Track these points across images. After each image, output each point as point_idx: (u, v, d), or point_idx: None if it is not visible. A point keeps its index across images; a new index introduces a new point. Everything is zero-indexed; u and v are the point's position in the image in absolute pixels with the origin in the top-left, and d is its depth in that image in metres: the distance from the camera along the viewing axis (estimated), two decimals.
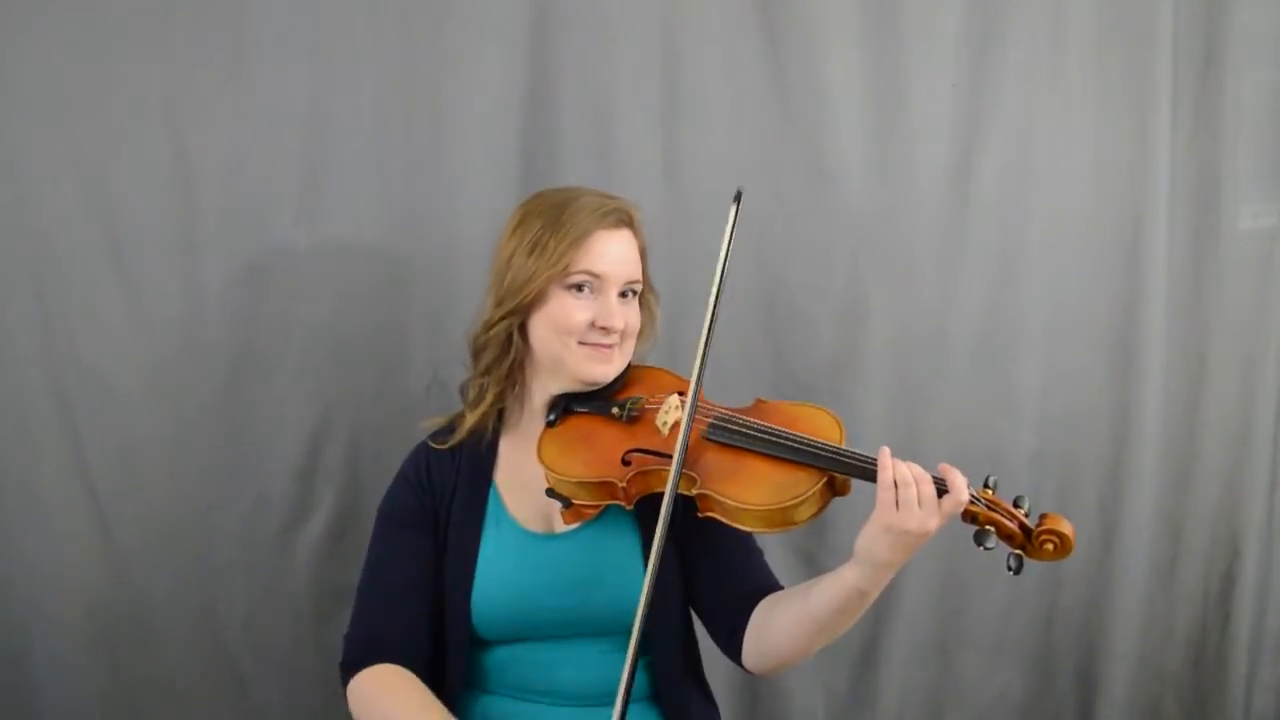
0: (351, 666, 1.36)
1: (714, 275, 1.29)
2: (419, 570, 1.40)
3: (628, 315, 1.40)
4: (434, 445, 1.46)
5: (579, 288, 1.37)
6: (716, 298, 1.29)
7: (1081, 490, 2.08)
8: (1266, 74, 2.05)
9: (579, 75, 1.83)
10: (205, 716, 1.80)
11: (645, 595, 1.18)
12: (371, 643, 1.36)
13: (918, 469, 1.19)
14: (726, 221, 1.31)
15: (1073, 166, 2.02)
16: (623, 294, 1.40)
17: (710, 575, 1.41)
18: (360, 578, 1.43)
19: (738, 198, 1.32)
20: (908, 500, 1.16)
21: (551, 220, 1.37)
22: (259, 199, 1.74)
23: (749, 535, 1.39)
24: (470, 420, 1.44)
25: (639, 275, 1.43)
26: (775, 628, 1.32)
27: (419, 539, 1.42)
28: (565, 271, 1.36)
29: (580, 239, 1.35)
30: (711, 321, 1.28)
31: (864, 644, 2.04)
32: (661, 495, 1.31)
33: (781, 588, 1.39)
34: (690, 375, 1.40)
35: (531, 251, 1.36)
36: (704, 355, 1.29)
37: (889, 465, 1.18)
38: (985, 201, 1.98)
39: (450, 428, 1.47)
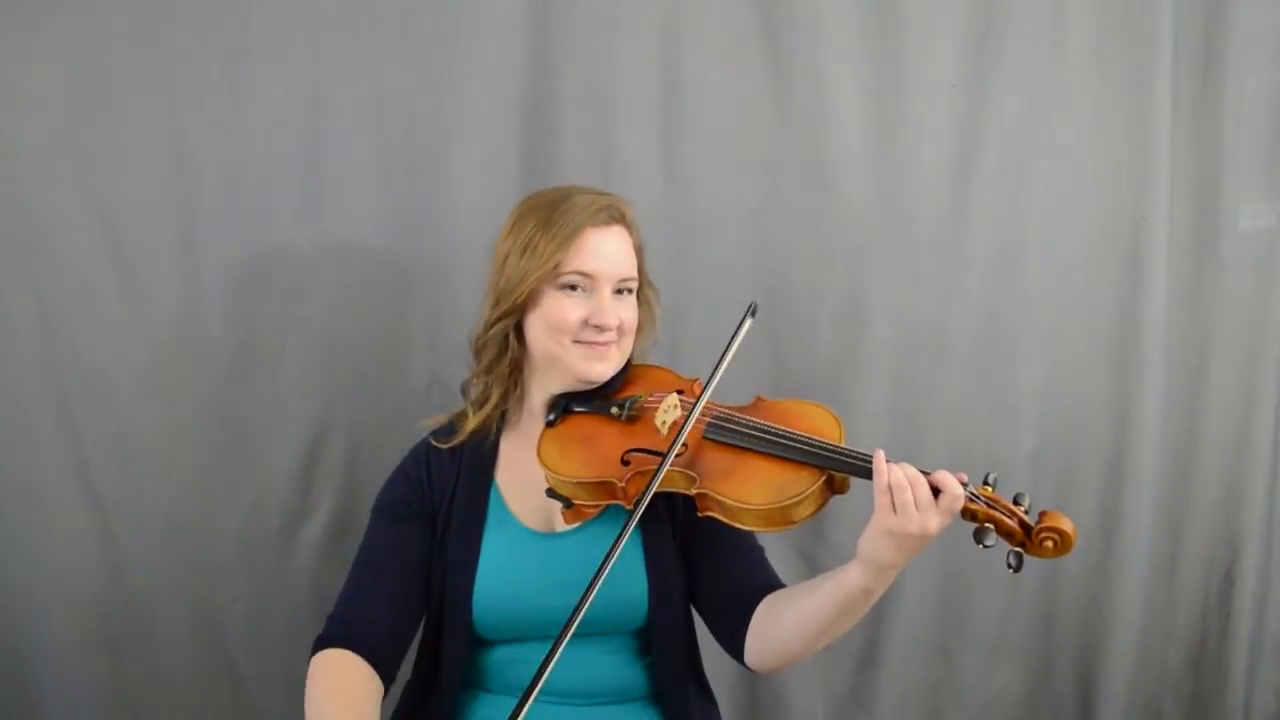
0: (321, 644, 1.35)
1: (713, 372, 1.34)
2: (408, 562, 1.40)
3: (622, 312, 1.40)
4: (436, 444, 1.46)
5: (572, 287, 1.37)
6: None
7: (1081, 490, 2.08)
8: (1266, 74, 2.05)
9: (579, 75, 1.83)
10: (205, 716, 1.81)
11: (594, 587, 1.18)
12: (346, 624, 1.35)
13: (911, 471, 1.18)
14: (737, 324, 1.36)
15: (1073, 166, 2.01)
16: (617, 291, 1.40)
17: (712, 574, 1.41)
18: (352, 564, 1.43)
19: (753, 311, 1.37)
20: (904, 504, 1.16)
21: (543, 220, 1.37)
22: (259, 199, 1.74)
23: (750, 534, 1.39)
24: (474, 421, 1.44)
25: (633, 272, 1.42)
26: (779, 626, 1.32)
27: (412, 532, 1.42)
28: (556, 271, 1.36)
29: (570, 238, 1.35)
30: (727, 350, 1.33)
31: (864, 644, 2.04)
32: (662, 495, 1.32)
33: (783, 585, 1.39)
34: (696, 375, 1.42)
35: (524, 252, 1.36)
36: (717, 370, 1.32)
37: (884, 470, 1.18)
38: (985, 201, 1.98)
39: (451, 427, 1.47)
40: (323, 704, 1.28)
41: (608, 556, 1.20)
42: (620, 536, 1.21)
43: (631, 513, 1.23)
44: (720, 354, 1.34)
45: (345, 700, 1.28)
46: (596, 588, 1.18)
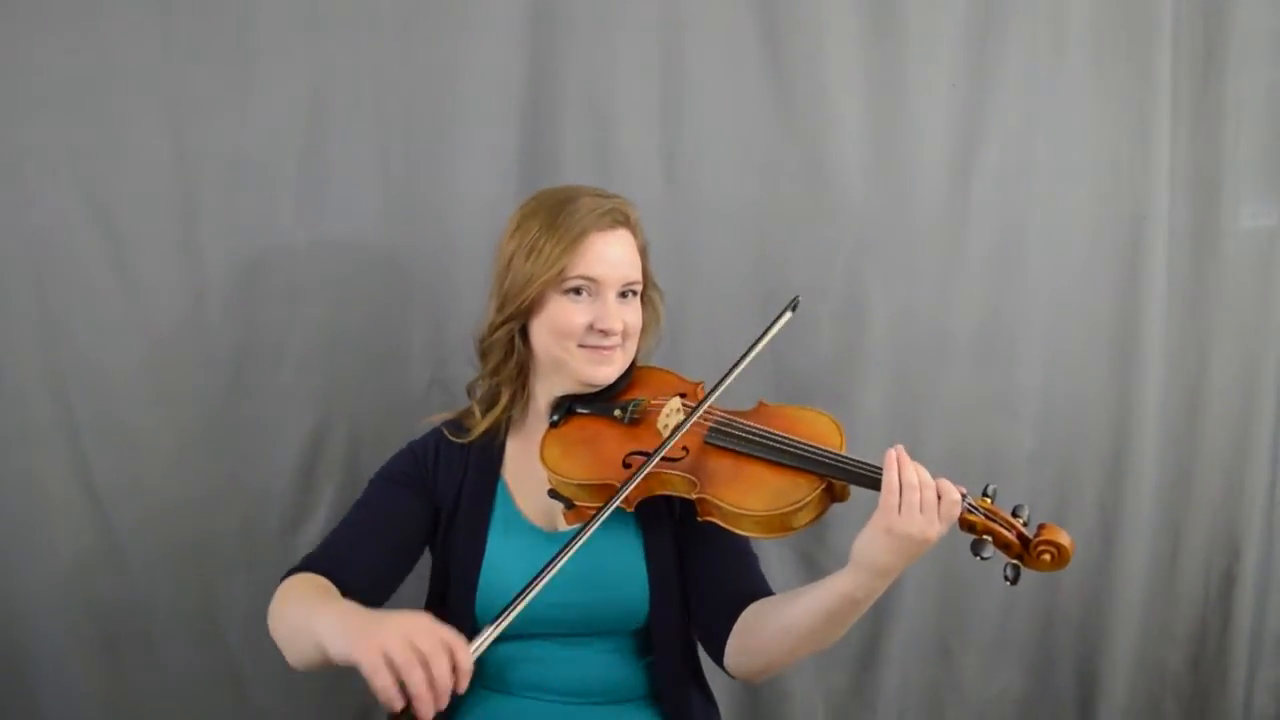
0: (287, 575, 1.32)
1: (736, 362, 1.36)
2: (398, 523, 1.39)
3: (626, 316, 1.40)
4: (449, 436, 1.46)
5: (576, 291, 1.37)
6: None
7: (1081, 490, 2.08)
8: (1266, 74, 2.05)
9: (579, 75, 1.83)
10: (205, 716, 1.80)
11: (527, 592, 1.15)
12: (323, 562, 1.32)
13: (925, 474, 1.18)
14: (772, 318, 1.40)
15: (1073, 166, 2.02)
16: (622, 294, 1.40)
17: (701, 577, 1.40)
18: (341, 520, 1.41)
19: (794, 305, 1.41)
20: (911, 504, 1.16)
21: (547, 223, 1.36)
22: (259, 199, 1.74)
23: (745, 540, 1.38)
24: (485, 422, 1.43)
25: (638, 275, 1.42)
26: (760, 632, 1.31)
27: (408, 499, 1.41)
28: (561, 276, 1.35)
29: (575, 243, 1.35)
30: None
31: (864, 644, 2.04)
32: (662, 498, 1.32)
33: (772, 593, 1.38)
34: (699, 378, 1.42)
35: (529, 256, 1.36)
36: (722, 382, 1.33)
37: (894, 466, 1.18)
38: (985, 201, 1.98)
39: (458, 424, 1.47)
40: (291, 591, 1.25)
41: (570, 542, 1.18)
42: (588, 525, 1.19)
43: (606, 503, 1.23)
44: (735, 360, 1.36)
45: (319, 584, 1.26)
46: (525, 600, 1.14)
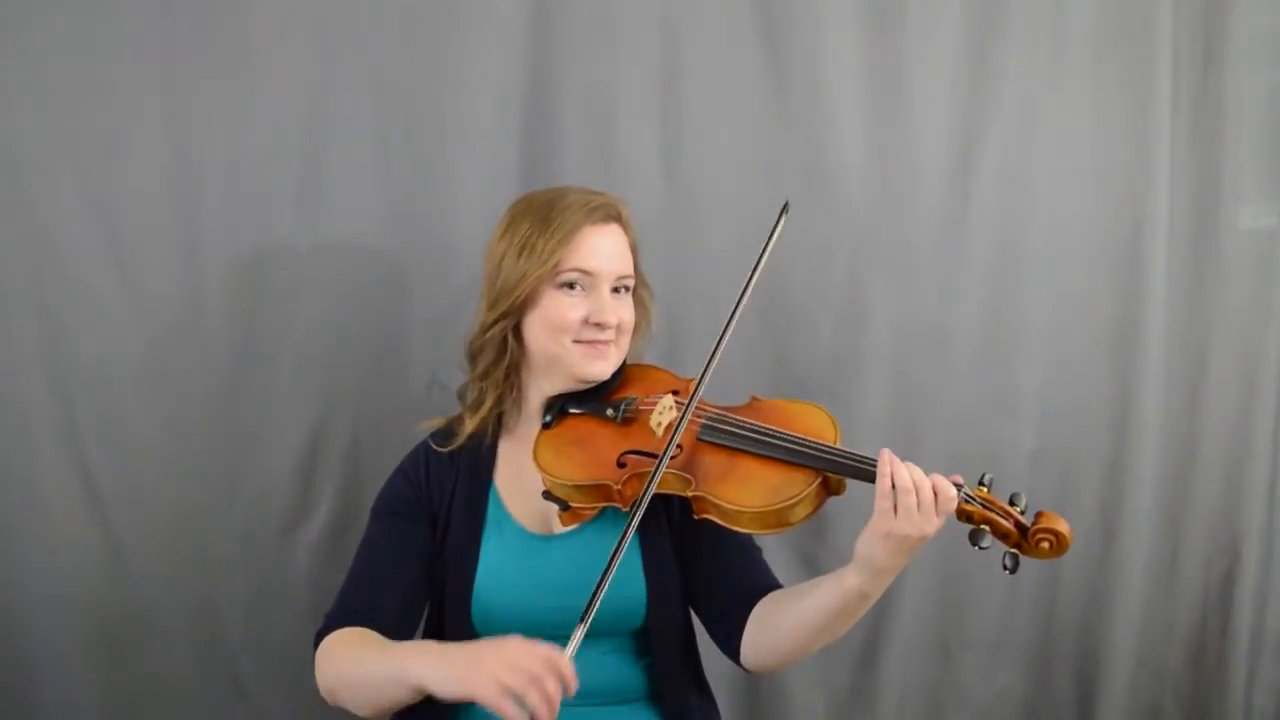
0: (322, 636, 1.33)
1: (743, 283, 1.37)
2: (410, 557, 1.39)
3: (621, 311, 1.40)
4: (435, 447, 1.46)
5: (570, 285, 1.37)
6: (737, 308, 1.35)
7: (1081, 489, 2.08)
8: (1266, 74, 2.05)
9: (579, 75, 1.83)
10: (205, 716, 1.81)
11: (599, 592, 1.19)
12: (346, 616, 1.34)
13: (918, 474, 1.18)
14: (767, 230, 1.39)
15: (1073, 166, 2.01)
16: (615, 290, 1.40)
17: (709, 575, 1.40)
18: (351, 563, 1.41)
19: (785, 209, 1.39)
20: (908, 507, 1.16)
21: (539, 220, 1.37)
22: (259, 199, 1.74)
23: (747, 535, 1.39)
24: (470, 425, 1.43)
25: (630, 270, 1.43)
26: (775, 628, 1.31)
27: (410, 529, 1.41)
28: (556, 270, 1.35)
29: (569, 236, 1.35)
30: (726, 330, 1.33)
31: (864, 643, 2.04)
32: (658, 496, 1.32)
33: (780, 586, 1.38)
34: (693, 375, 1.42)
35: (521, 252, 1.36)
36: (712, 361, 1.32)
37: (888, 473, 1.17)
38: (985, 201, 1.98)
39: (449, 431, 1.47)
40: (344, 650, 1.29)
41: (609, 566, 1.19)
42: (619, 545, 1.20)
43: (630, 518, 1.23)
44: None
45: (365, 636, 1.30)
46: (600, 596, 1.18)
